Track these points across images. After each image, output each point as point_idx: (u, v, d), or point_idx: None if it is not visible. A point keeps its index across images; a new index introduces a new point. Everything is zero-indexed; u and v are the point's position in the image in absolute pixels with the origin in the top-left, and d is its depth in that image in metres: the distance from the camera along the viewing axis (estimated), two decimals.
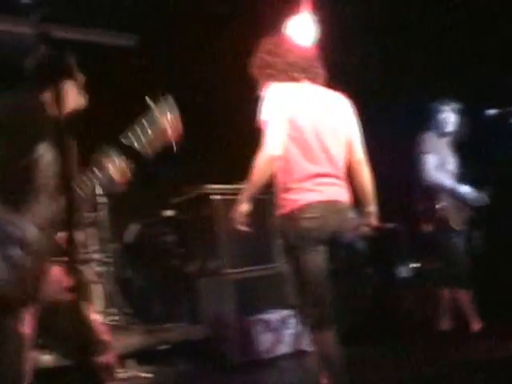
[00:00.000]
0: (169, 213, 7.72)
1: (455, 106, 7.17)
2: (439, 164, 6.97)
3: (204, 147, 9.16)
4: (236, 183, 7.48)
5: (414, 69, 8.22)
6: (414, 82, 8.29)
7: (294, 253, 4.27)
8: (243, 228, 4.35)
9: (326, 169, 4.34)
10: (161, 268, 6.72)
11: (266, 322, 7.00)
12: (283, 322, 7.10)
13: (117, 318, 7.41)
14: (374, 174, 4.56)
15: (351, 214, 4.41)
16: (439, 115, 7.15)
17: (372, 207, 4.51)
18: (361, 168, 4.53)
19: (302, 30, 7.29)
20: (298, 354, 6.94)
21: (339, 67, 7.35)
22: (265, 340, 6.90)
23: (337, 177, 4.40)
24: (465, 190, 7.01)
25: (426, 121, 7.19)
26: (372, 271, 8.19)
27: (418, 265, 8.24)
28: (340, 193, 4.38)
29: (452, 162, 7.17)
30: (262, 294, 7.29)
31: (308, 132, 4.31)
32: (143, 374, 6.20)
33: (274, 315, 7.12)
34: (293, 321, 7.13)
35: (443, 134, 7.15)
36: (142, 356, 6.30)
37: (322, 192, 4.26)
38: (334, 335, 4.32)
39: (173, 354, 6.80)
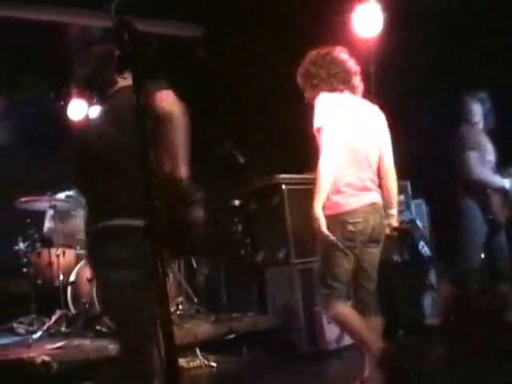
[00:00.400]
0: (236, 202, 7.75)
1: (486, 96, 6.96)
2: (481, 159, 6.77)
3: (269, 137, 9.18)
4: (305, 172, 7.50)
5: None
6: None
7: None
8: (331, 237, 4.52)
9: (368, 174, 4.78)
10: (229, 258, 6.75)
11: None
12: None
13: (184, 307, 7.48)
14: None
15: (383, 213, 4.82)
16: (474, 107, 6.93)
17: (394, 210, 4.92)
18: (389, 174, 4.96)
19: (367, 19, 7.26)
20: None
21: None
22: (332, 330, 6.88)
23: (375, 182, 4.84)
24: (508, 183, 6.84)
25: (461, 114, 6.99)
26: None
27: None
28: (377, 196, 4.82)
29: (492, 154, 6.94)
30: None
31: (353, 139, 4.69)
32: (210, 363, 6.24)
33: None
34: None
35: (480, 126, 6.96)
36: (209, 345, 6.34)
37: (366, 196, 4.68)
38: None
39: (240, 344, 6.84)
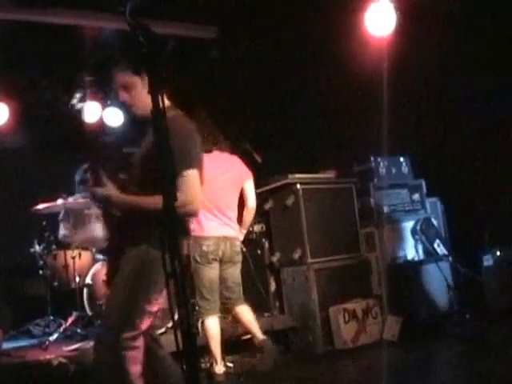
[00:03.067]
0: None
1: None
2: None
3: (282, 138, 9.19)
4: (319, 172, 7.51)
5: None
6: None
7: None
8: None
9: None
10: (245, 257, 6.77)
11: (350, 311, 6.98)
12: (367, 311, 7.09)
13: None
14: None
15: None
16: None
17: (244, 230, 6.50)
18: (250, 212, 6.48)
19: (380, 18, 7.24)
20: (381, 344, 6.91)
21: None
22: (348, 330, 6.89)
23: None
24: None
25: None
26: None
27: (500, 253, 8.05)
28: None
29: None
30: (345, 283, 7.28)
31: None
32: (226, 363, 6.25)
33: (358, 304, 7.10)
34: (376, 310, 7.13)
35: None
36: (226, 345, 6.34)
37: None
38: None
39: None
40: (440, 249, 8.04)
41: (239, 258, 6.37)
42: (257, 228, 7.76)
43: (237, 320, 6.36)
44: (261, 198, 7.33)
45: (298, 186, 7.24)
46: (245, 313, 6.26)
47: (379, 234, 7.61)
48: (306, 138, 8.97)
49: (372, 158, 7.85)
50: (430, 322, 7.22)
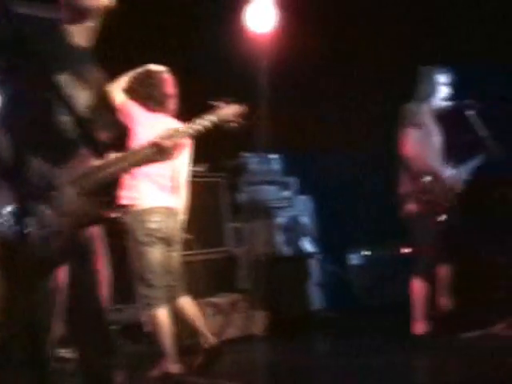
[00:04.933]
0: None
1: (446, 70, 6.22)
2: (423, 139, 6.01)
3: None
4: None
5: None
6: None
7: None
8: None
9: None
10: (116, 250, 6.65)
11: (215, 306, 7.00)
12: (233, 305, 7.09)
13: None
14: None
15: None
16: (427, 81, 6.18)
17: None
18: (181, 190, 5.57)
19: (260, 15, 7.29)
20: (247, 339, 6.93)
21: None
22: (214, 323, 6.89)
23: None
24: (450, 173, 6.14)
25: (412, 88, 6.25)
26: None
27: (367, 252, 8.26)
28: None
29: (438, 136, 6.22)
30: (211, 277, 7.30)
31: None
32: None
33: (224, 299, 7.13)
34: (243, 305, 7.15)
35: (430, 103, 6.18)
36: None
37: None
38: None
39: (122, 336, 6.75)
40: (309, 246, 8.16)
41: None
42: None
43: (180, 316, 5.52)
44: None
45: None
46: (189, 306, 5.54)
47: (248, 229, 7.65)
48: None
49: (243, 154, 7.90)
50: (298, 317, 7.32)
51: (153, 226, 5.17)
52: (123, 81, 5.29)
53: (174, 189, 5.43)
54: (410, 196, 5.95)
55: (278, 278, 7.44)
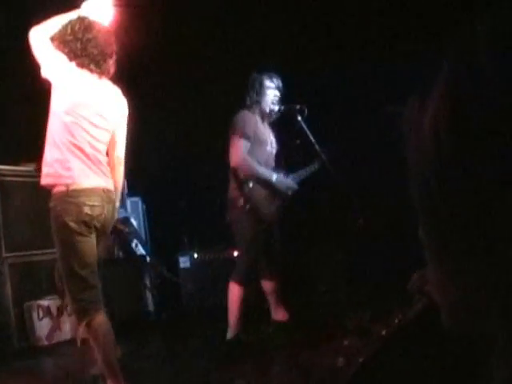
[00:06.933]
0: None
1: (277, 78, 6.17)
2: (251, 147, 5.95)
3: None
4: (22, 164, 7.26)
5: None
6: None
7: None
8: None
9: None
10: None
11: (44, 308, 6.84)
12: (62, 308, 6.96)
13: None
14: None
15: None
16: (259, 88, 6.09)
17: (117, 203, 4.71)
18: (117, 165, 4.60)
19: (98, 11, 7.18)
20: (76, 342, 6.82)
21: None
22: (43, 326, 6.75)
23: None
24: (279, 178, 6.11)
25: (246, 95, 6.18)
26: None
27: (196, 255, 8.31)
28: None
29: (267, 143, 6.18)
30: (42, 279, 7.09)
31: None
32: None
33: (53, 301, 6.96)
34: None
35: (259, 110, 6.13)
36: None
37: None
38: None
39: None
40: (138, 249, 8.11)
41: None
42: None
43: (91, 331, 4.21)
44: None
45: (2, 178, 6.95)
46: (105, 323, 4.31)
47: None
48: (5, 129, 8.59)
49: None
50: (129, 320, 7.27)
51: (88, 211, 4.20)
52: (51, 27, 4.31)
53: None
54: (233, 201, 6.02)
55: (110, 280, 7.35)
